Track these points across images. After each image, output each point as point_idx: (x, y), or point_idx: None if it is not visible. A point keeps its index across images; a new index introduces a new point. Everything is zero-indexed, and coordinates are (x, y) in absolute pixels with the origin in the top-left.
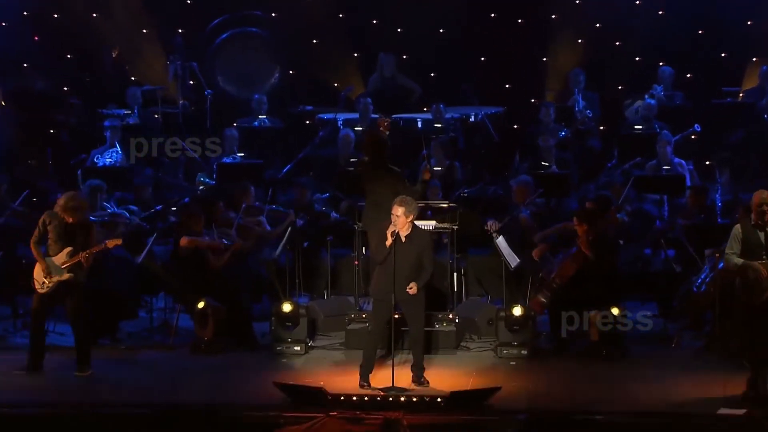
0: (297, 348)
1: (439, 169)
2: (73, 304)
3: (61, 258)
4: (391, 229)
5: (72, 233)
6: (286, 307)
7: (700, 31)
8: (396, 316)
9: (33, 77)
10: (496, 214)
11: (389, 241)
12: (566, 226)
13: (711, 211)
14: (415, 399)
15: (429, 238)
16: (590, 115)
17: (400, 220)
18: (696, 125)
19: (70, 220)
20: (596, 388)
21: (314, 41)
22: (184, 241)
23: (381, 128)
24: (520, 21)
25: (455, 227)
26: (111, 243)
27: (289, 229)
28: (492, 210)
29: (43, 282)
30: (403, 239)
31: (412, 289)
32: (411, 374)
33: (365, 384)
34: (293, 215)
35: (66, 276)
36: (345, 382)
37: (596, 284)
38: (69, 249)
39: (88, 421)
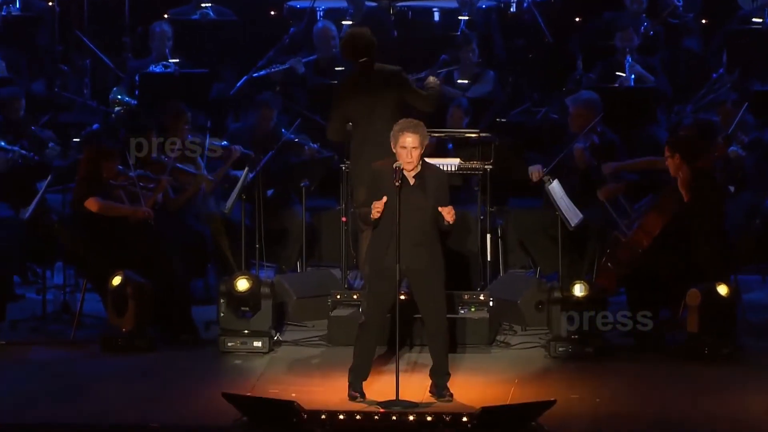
0: (257, 344)
1: (466, 82)
2: None
3: None
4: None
5: None
6: (242, 284)
7: None
8: (402, 297)
9: None
10: (548, 149)
11: (379, 205)
12: (652, 162)
13: None
14: (430, 418)
15: (446, 178)
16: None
17: (415, 154)
18: None
19: None
20: (691, 400)
21: None
22: (92, 205)
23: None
24: None
25: (489, 167)
26: None
27: (246, 169)
28: (542, 143)
29: None
30: (412, 182)
31: (450, 214)
32: (425, 382)
33: (357, 395)
34: (237, 152)
35: None
36: (327, 393)
37: (695, 247)
38: None
39: None
